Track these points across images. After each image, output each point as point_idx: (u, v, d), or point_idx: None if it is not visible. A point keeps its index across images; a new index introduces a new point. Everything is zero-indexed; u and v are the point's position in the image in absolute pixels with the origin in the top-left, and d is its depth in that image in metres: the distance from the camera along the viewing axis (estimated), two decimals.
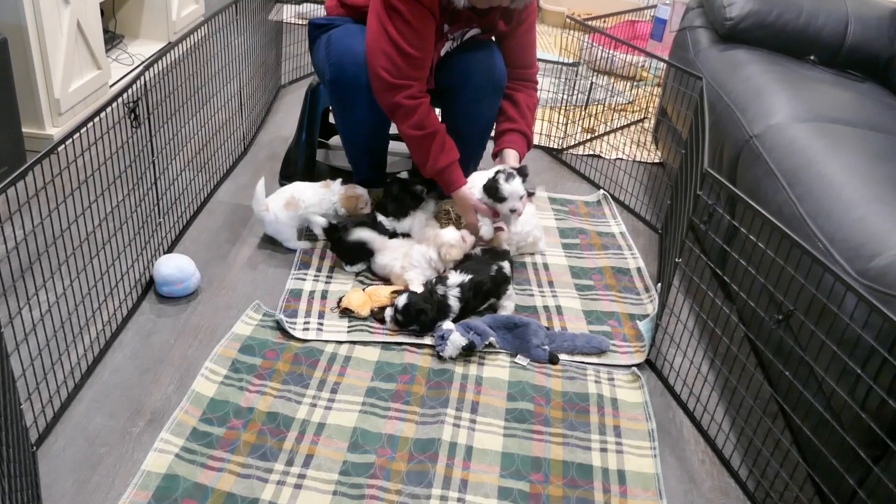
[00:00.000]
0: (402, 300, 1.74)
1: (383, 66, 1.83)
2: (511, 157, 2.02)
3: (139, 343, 1.67)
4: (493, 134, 2.13)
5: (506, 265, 1.84)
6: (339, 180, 2.06)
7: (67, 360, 1.53)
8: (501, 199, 1.85)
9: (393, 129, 2.05)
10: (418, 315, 1.73)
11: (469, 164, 2.15)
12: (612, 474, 1.45)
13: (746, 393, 1.60)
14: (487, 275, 1.82)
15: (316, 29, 2.05)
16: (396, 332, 1.77)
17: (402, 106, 1.86)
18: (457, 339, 1.67)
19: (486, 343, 1.72)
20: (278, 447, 1.43)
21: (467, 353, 1.69)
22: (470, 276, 1.80)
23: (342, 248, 1.95)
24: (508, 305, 1.86)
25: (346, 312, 1.80)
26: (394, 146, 2.24)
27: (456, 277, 1.79)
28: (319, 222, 1.98)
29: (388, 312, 1.76)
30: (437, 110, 2.17)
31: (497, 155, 2.07)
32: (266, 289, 1.89)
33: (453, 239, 1.87)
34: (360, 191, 2.05)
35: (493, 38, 2.07)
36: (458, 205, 1.97)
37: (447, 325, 1.71)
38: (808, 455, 1.47)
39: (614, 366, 1.75)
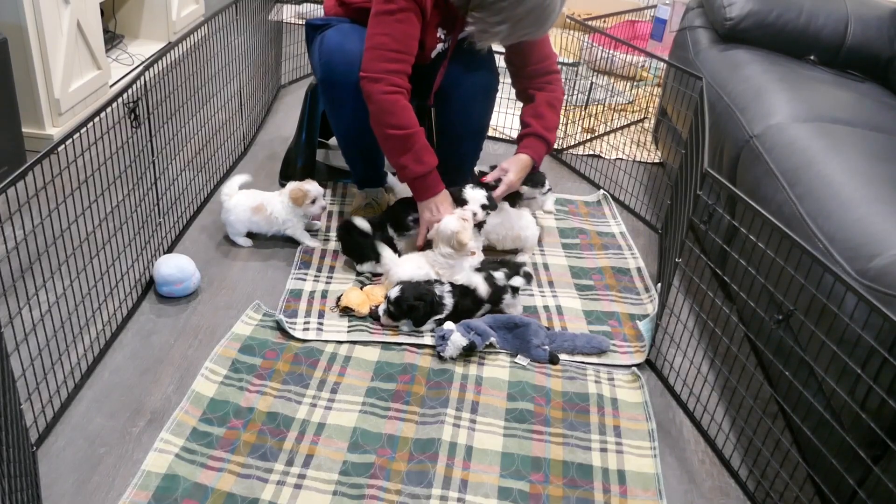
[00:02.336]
0: (394, 292, 1.74)
1: (362, 65, 1.81)
2: (518, 160, 2.04)
3: (139, 343, 1.67)
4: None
5: (499, 275, 1.81)
6: (288, 184, 2.04)
7: (67, 360, 1.53)
8: (463, 203, 1.92)
9: None
10: (410, 310, 1.72)
11: (464, 164, 2.15)
12: (612, 474, 1.45)
13: (746, 393, 1.60)
14: (469, 292, 1.80)
15: (313, 30, 2.05)
16: (396, 332, 1.77)
17: (376, 102, 1.80)
18: (457, 339, 1.67)
19: (487, 343, 1.72)
20: (278, 447, 1.43)
21: (468, 353, 1.69)
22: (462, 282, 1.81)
23: (352, 246, 1.96)
24: (516, 311, 1.86)
25: (345, 311, 1.80)
26: None
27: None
28: (308, 244, 2.05)
29: (382, 307, 1.76)
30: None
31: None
32: (266, 289, 1.89)
33: (455, 226, 1.82)
34: (308, 187, 2.01)
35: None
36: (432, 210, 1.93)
37: (448, 325, 1.71)
38: (808, 455, 1.47)
39: (614, 366, 1.75)
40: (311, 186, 2.02)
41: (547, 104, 2.06)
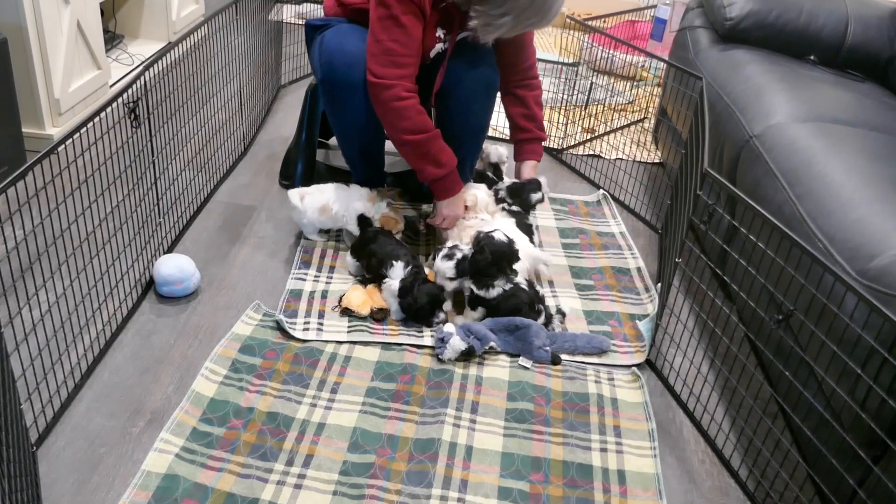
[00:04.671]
0: (447, 265, 1.77)
1: (370, 69, 1.82)
2: (528, 168, 2.18)
3: (139, 343, 1.67)
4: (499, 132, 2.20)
5: (542, 314, 1.81)
6: (387, 201, 2.04)
7: (67, 360, 1.53)
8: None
9: None
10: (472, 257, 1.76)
11: (465, 165, 2.14)
12: (612, 474, 1.45)
13: (746, 393, 1.60)
14: (525, 295, 1.79)
15: (312, 30, 2.05)
16: (396, 332, 1.77)
17: (392, 109, 1.82)
18: (456, 343, 1.67)
19: (487, 348, 1.71)
20: (278, 447, 1.43)
21: (466, 357, 1.69)
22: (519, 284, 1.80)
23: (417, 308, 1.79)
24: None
25: (346, 312, 1.80)
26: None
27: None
28: (354, 230, 2.00)
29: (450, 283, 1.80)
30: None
31: (518, 167, 2.20)
32: (266, 289, 1.89)
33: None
34: (399, 216, 2.03)
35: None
36: (454, 207, 1.97)
37: (448, 327, 1.70)
38: (808, 455, 1.47)
39: (614, 366, 1.75)
40: (399, 217, 2.04)
41: (535, 104, 2.15)
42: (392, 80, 1.81)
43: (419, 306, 1.75)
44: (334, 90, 1.95)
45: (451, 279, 1.80)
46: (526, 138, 2.16)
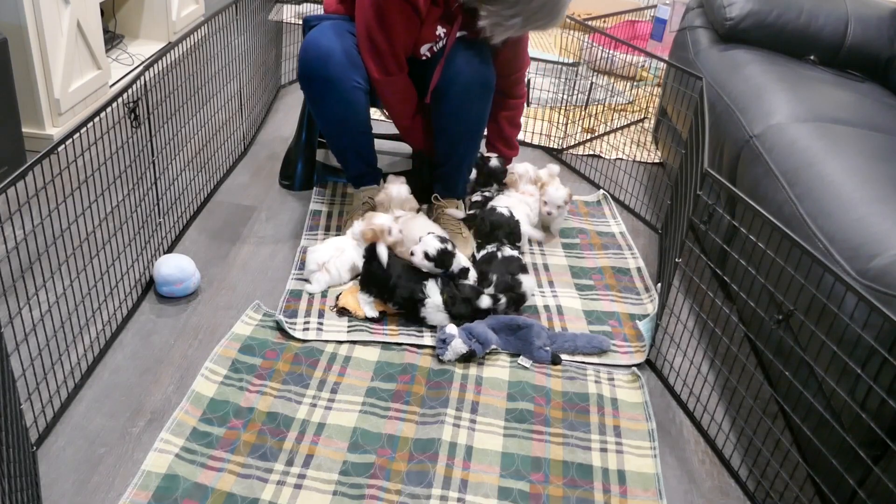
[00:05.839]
0: (433, 244, 1.76)
1: (368, 67, 1.94)
2: None
3: (139, 343, 1.67)
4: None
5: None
6: (353, 227, 1.96)
7: (67, 360, 1.53)
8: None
9: (379, 129, 2.09)
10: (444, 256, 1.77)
11: (462, 164, 2.13)
12: (612, 474, 1.45)
13: (746, 393, 1.61)
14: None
15: (308, 28, 2.05)
16: (396, 332, 1.77)
17: (396, 101, 2.02)
18: (458, 345, 1.66)
19: (488, 351, 1.71)
20: (278, 447, 1.43)
21: (466, 359, 1.69)
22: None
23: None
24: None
25: (343, 312, 1.80)
26: (393, 146, 2.24)
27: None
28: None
29: (419, 255, 1.75)
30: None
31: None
32: (266, 289, 1.89)
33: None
34: (378, 220, 1.84)
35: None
36: None
37: (450, 328, 1.70)
38: (808, 455, 1.47)
39: (614, 366, 1.75)
40: (381, 219, 1.84)
41: (510, 124, 2.28)
42: (392, 76, 1.94)
43: (464, 297, 1.77)
44: (311, 85, 1.95)
45: (428, 259, 1.75)
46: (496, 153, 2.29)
